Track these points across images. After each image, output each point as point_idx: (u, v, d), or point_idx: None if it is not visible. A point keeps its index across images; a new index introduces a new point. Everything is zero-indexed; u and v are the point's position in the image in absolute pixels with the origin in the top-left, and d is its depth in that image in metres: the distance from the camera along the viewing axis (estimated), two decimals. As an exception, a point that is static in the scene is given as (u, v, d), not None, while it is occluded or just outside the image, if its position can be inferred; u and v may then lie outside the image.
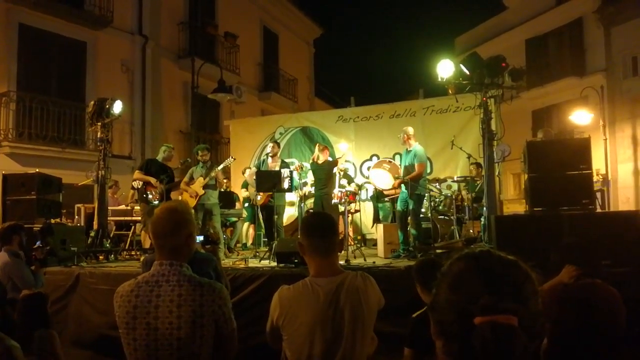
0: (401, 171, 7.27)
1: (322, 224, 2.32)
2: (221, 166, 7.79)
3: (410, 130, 7.14)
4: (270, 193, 7.90)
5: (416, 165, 6.87)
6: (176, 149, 14.41)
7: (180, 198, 7.57)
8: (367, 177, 9.79)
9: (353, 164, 10.58)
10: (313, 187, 8.77)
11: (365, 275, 2.30)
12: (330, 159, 8.67)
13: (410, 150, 7.06)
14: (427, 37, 52.34)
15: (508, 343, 0.86)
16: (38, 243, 5.09)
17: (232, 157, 8.76)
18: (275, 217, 7.81)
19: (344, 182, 8.75)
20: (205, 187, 7.52)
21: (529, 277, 0.95)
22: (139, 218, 9.11)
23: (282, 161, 8.55)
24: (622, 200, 14.14)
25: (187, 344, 1.96)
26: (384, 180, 7.53)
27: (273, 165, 8.35)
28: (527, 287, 0.93)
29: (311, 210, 8.67)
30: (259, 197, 8.32)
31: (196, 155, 7.93)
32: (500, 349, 0.86)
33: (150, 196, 7.43)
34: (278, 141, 9.53)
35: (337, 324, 2.15)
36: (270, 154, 8.69)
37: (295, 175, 8.00)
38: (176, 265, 2.05)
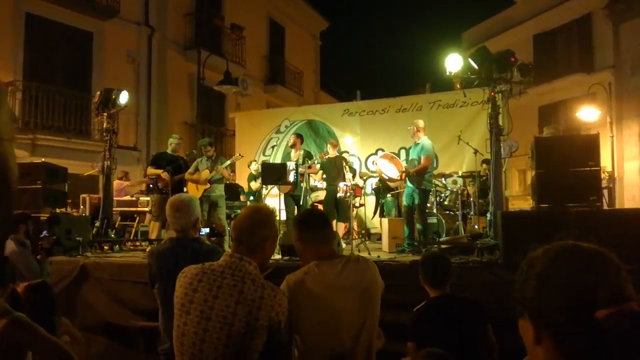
0: (405, 165, 7.27)
1: (317, 216, 2.59)
2: (227, 163, 7.80)
3: (421, 123, 7.12)
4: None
5: (422, 158, 6.84)
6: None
7: (185, 190, 7.58)
8: (372, 172, 9.78)
9: (358, 157, 10.57)
10: (318, 182, 8.81)
11: (363, 257, 2.49)
12: (337, 153, 8.78)
13: (418, 143, 7.03)
14: (434, 32, 52.19)
15: None
16: (44, 232, 5.11)
17: (239, 154, 8.76)
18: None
19: (349, 175, 8.76)
20: (211, 180, 7.54)
21: (619, 263, 0.92)
22: (145, 209, 9.14)
23: (305, 151, 8.51)
24: (628, 198, 14.08)
25: (235, 343, 1.93)
26: (390, 170, 7.52)
27: (296, 156, 8.33)
28: (622, 273, 0.91)
29: (316, 205, 8.72)
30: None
31: (200, 149, 7.96)
32: None
33: (160, 187, 7.54)
34: (298, 132, 9.39)
35: (349, 301, 2.21)
36: (290, 145, 8.67)
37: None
38: (246, 261, 2.06)
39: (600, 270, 0.90)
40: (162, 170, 7.58)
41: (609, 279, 0.88)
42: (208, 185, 7.53)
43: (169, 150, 8.06)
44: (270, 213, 2.30)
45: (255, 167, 9.86)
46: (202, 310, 1.97)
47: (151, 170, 7.83)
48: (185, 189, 7.61)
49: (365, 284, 2.28)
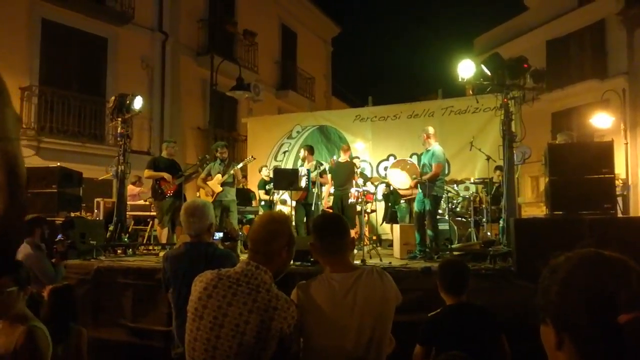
0: (419, 171, 7.26)
1: (334, 224, 2.37)
2: (241, 164, 7.85)
3: (431, 129, 7.11)
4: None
5: (433, 165, 6.83)
6: (194, 146, 14.62)
7: (197, 195, 7.64)
8: (384, 177, 9.78)
9: (370, 163, 10.57)
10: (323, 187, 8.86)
11: (381, 271, 2.32)
12: (349, 159, 8.80)
13: (429, 150, 7.02)
14: (446, 38, 52.07)
15: None
16: (59, 236, 5.15)
17: (252, 157, 8.81)
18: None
19: (360, 181, 8.77)
20: (223, 184, 7.58)
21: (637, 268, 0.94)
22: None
23: (317, 162, 8.59)
24: (643, 206, 13.91)
25: (246, 352, 1.93)
26: (400, 179, 7.51)
27: (308, 167, 8.40)
28: None
29: (327, 210, 8.70)
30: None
31: (215, 152, 8.00)
32: None
33: (164, 190, 7.57)
34: (310, 145, 9.45)
35: (356, 317, 2.16)
36: (302, 159, 8.79)
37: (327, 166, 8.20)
38: (262, 270, 2.05)
39: (621, 276, 0.91)
40: (168, 175, 7.63)
41: (630, 285, 0.89)
42: (220, 189, 7.58)
43: (164, 154, 8.13)
44: (285, 220, 2.28)
45: (266, 173, 9.89)
46: (216, 317, 1.97)
47: (149, 173, 7.84)
48: (197, 194, 7.66)
49: (377, 300, 2.20)
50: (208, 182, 7.73)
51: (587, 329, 0.89)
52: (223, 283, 2.03)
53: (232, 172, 7.60)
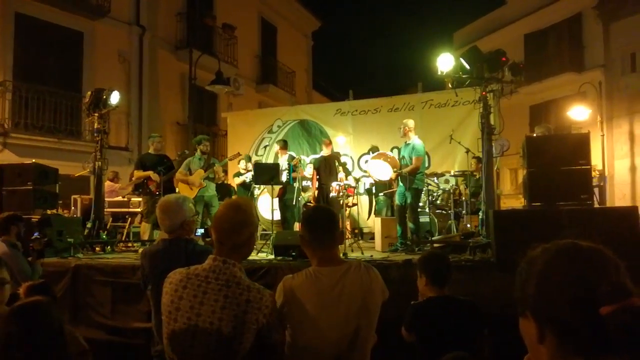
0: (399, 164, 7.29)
1: (323, 217, 2.34)
2: (225, 161, 7.80)
3: (411, 123, 7.13)
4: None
5: (414, 158, 6.87)
6: (173, 141, 14.47)
7: (177, 190, 7.55)
8: (366, 171, 9.80)
9: (351, 157, 10.58)
10: (309, 182, 8.86)
11: (368, 266, 2.31)
12: (330, 152, 8.84)
13: (409, 144, 7.05)
14: (426, 31, 52.32)
15: None
16: (36, 234, 5.06)
17: (238, 153, 8.75)
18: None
19: (342, 175, 8.79)
20: (204, 179, 7.53)
21: (617, 260, 0.94)
22: (137, 210, 9.09)
23: (290, 156, 8.61)
24: (619, 197, 14.20)
25: (224, 347, 1.91)
26: (383, 171, 7.52)
27: (284, 162, 8.39)
28: (622, 270, 0.92)
29: (310, 204, 8.70)
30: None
31: (197, 145, 7.89)
32: None
33: (152, 189, 7.47)
34: (283, 139, 9.48)
35: (342, 312, 2.16)
36: (279, 154, 8.77)
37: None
38: (230, 264, 2.01)
39: (600, 267, 0.91)
40: (152, 173, 7.51)
41: (609, 276, 0.89)
42: (204, 184, 7.52)
43: (151, 151, 7.98)
44: (249, 207, 2.18)
45: (243, 166, 9.83)
46: (189, 317, 1.95)
47: (138, 173, 7.66)
48: (177, 190, 7.57)
49: (363, 294, 2.20)
50: (189, 177, 7.65)
51: (569, 322, 0.89)
52: (192, 282, 2.00)
53: (216, 168, 7.56)
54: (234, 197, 9.79)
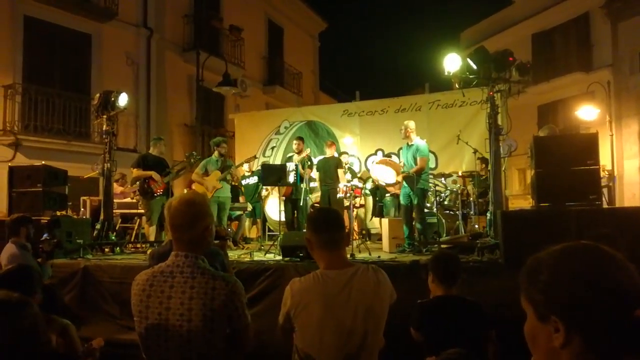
0: (402, 166, 7.30)
1: (329, 218, 2.34)
2: (242, 163, 7.86)
3: (412, 124, 7.14)
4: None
5: (418, 159, 6.87)
6: (180, 142, 14.53)
7: (187, 190, 7.60)
8: (369, 177, 9.80)
9: (358, 158, 10.58)
10: (316, 183, 8.84)
11: (376, 268, 2.30)
12: (336, 154, 8.82)
13: (412, 145, 7.05)
14: (433, 32, 52.21)
15: None
16: (45, 235, 5.09)
17: (254, 156, 8.81)
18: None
19: (348, 176, 8.80)
20: (221, 180, 7.64)
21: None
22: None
23: (308, 156, 8.59)
24: (628, 197, 14.09)
25: (198, 337, 1.96)
26: (387, 175, 7.54)
27: (299, 159, 8.38)
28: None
29: (317, 205, 8.71)
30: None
31: (216, 147, 7.97)
32: None
33: (153, 190, 7.49)
34: (300, 136, 9.37)
35: (349, 315, 2.15)
36: (295, 151, 8.73)
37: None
38: (191, 257, 2.06)
39: (629, 271, 0.90)
40: (155, 173, 7.55)
41: (635, 279, 0.89)
42: (220, 186, 7.61)
43: (154, 152, 7.99)
44: (203, 201, 2.22)
45: (247, 168, 9.86)
46: (160, 313, 1.99)
47: (137, 172, 7.66)
48: (186, 190, 7.62)
49: (370, 297, 2.19)
50: (205, 179, 7.71)
51: (601, 326, 0.87)
52: (158, 280, 2.04)
53: (233, 170, 7.65)
54: (241, 198, 9.85)
